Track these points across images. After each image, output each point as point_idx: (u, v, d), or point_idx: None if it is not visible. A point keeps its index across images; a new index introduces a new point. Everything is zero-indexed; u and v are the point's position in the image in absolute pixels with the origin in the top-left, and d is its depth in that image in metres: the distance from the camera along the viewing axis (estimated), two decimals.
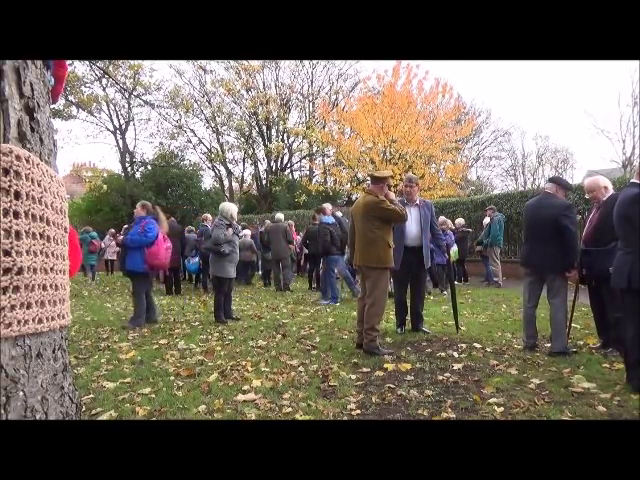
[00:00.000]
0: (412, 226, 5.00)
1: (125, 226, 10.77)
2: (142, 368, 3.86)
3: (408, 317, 5.23)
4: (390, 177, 4.74)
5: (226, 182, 27.01)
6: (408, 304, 5.23)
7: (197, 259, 10.28)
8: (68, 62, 1.57)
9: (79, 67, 19.02)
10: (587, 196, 4.33)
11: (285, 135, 25.51)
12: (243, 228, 10.30)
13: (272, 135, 25.39)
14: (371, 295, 4.28)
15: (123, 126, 23.75)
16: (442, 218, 8.01)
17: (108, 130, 23.55)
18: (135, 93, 22.00)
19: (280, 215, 10.55)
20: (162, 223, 6.13)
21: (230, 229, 6.02)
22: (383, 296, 4.32)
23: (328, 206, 8.33)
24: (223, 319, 6.03)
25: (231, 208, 6.31)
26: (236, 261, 6.19)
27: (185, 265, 10.60)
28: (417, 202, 5.11)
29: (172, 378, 3.55)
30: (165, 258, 5.98)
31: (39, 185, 0.99)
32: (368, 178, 18.15)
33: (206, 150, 25.76)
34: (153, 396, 3.15)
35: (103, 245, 14.97)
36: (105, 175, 23.48)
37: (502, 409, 2.80)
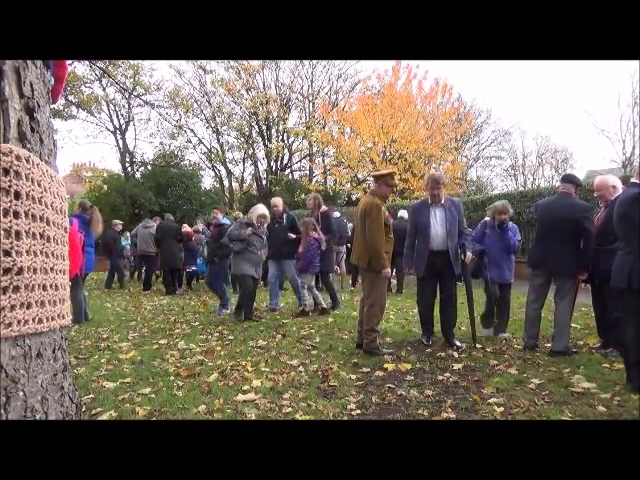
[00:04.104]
0: (437, 228, 4.49)
1: None
2: (142, 368, 3.86)
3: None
4: (389, 175, 4.47)
5: (226, 182, 27.00)
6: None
7: (200, 261, 10.29)
8: (68, 62, 1.57)
9: (79, 67, 19.01)
10: (595, 194, 4.29)
11: (285, 135, 25.49)
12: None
13: (272, 135, 25.37)
14: (369, 297, 4.29)
15: (123, 126, 23.72)
16: (502, 202, 4.96)
17: (108, 130, 23.53)
18: (135, 93, 21.97)
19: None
20: (93, 224, 5.99)
21: (249, 228, 6.03)
22: (381, 297, 4.31)
23: (278, 201, 7.05)
24: (252, 317, 6.07)
25: (254, 212, 6.22)
26: (255, 261, 6.12)
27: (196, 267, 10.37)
28: (442, 202, 4.54)
29: (172, 378, 3.55)
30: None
31: (39, 185, 0.99)
32: (368, 178, 18.21)
33: (206, 150, 25.74)
34: (153, 396, 3.15)
35: None
36: (105, 175, 23.46)
37: (502, 409, 2.80)
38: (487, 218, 5.21)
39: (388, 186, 4.44)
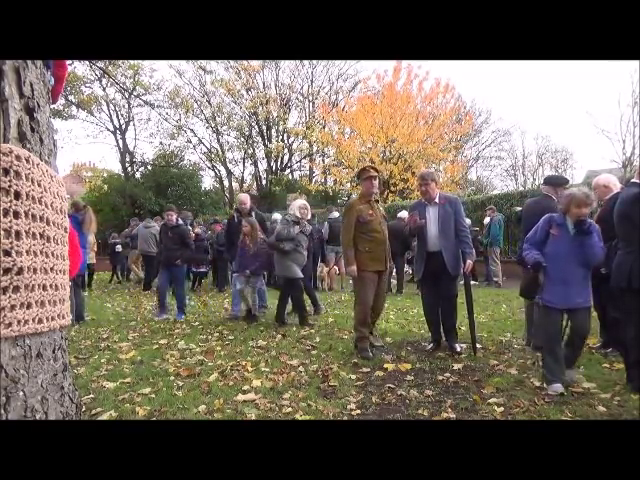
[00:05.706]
0: (431, 228, 4.32)
1: None
2: (142, 368, 3.86)
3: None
4: (361, 171, 4.51)
5: (226, 182, 27.00)
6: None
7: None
8: (68, 62, 1.57)
9: (79, 67, 19.03)
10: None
11: (285, 135, 25.50)
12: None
13: (272, 135, 25.38)
14: (356, 296, 4.46)
15: (123, 126, 23.74)
16: (583, 191, 3.14)
17: (108, 130, 23.55)
18: (135, 93, 21.98)
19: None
20: (86, 224, 5.87)
21: (297, 226, 5.69)
22: (362, 296, 4.31)
23: (245, 198, 6.70)
24: (285, 321, 5.74)
25: (294, 205, 5.88)
26: (300, 261, 5.77)
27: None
28: (436, 200, 4.36)
29: (172, 378, 3.55)
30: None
31: (39, 185, 0.99)
32: None
33: (206, 150, 25.75)
34: (153, 396, 3.15)
35: None
36: (105, 175, 23.50)
37: (502, 409, 2.80)
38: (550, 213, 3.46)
39: (365, 180, 4.43)
